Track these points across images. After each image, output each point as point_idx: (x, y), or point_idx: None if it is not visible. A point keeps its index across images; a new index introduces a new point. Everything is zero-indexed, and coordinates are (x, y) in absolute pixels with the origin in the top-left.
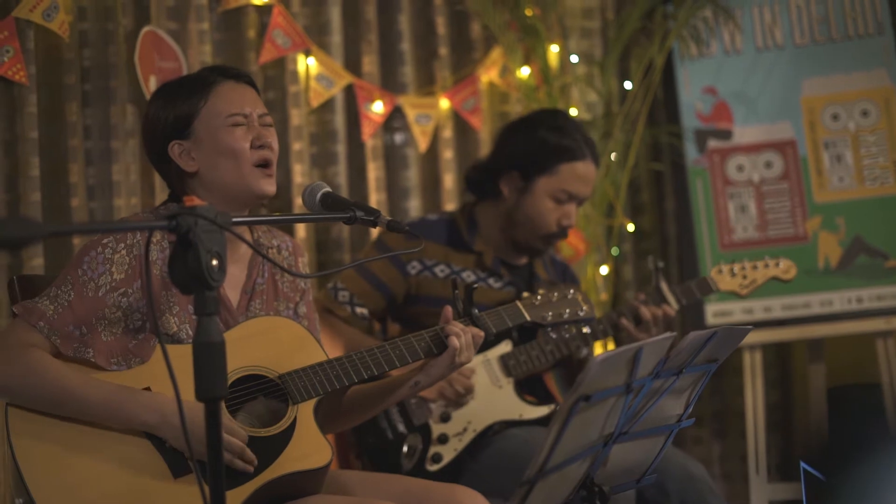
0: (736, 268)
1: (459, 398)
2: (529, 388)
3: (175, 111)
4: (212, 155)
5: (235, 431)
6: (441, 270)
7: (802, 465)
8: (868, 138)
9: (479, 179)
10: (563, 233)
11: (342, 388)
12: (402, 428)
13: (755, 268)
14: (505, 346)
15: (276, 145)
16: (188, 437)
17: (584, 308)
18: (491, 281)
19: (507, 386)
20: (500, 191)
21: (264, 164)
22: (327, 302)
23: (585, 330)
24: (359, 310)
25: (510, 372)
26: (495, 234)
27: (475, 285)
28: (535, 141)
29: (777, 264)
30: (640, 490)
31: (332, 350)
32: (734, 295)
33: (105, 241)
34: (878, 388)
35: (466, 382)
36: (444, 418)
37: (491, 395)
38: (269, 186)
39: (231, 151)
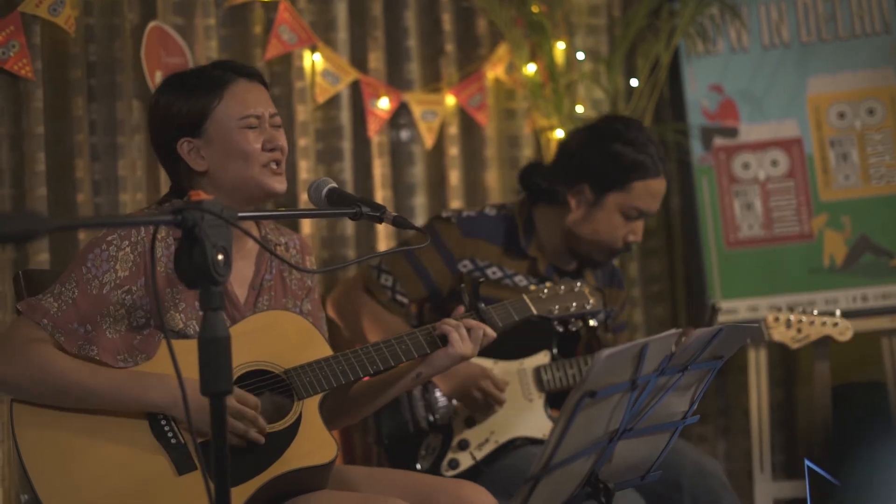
0: (793, 318)
1: (488, 409)
2: (562, 401)
3: (186, 108)
4: (222, 155)
5: (247, 399)
6: (493, 272)
7: (807, 463)
8: (874, 137)
9: (541, 184)
10: (627, 248)
11: (347, 384)
12: (424, 424)
13: (811, 323)
14: (543, 358)
15: (285, 146)
16: (193, 435)
17: (591, 301)
18: None
19: (538, 400)
20: (565, 199)
21: (273, 164)
22: (369, 283)
23: (592, 323)
24: (399, 297)
25: (543, 386)
26: (554, 240)
27: (481, 280)
28: (609, 155)
29: (835, 324)
30: (652, 485)
31: (372, 336)
32: (784, 347)
33: (109, 238)
34: (882, 387)
35: (498, 396)
36: (469, 423)
37: (519, 408)
38: (279, 184)
39: (242, 154)
